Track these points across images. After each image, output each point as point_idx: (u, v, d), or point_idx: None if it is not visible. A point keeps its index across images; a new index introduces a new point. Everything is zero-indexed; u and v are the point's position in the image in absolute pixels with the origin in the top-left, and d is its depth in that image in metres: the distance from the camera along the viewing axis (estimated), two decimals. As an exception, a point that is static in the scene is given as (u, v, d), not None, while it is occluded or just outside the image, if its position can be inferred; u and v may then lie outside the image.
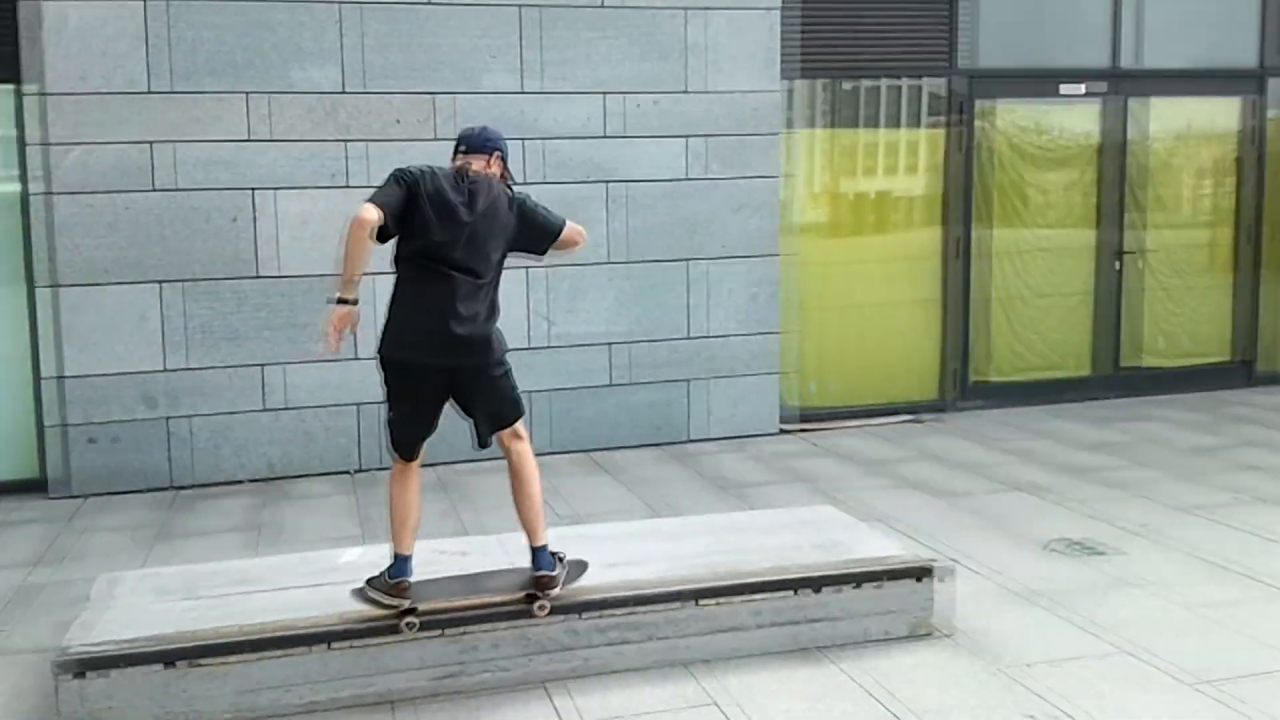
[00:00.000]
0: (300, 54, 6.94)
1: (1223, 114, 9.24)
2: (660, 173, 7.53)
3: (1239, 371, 9.36)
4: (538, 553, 4.11)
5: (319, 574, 4.40)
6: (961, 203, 8.57)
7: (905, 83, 8.57)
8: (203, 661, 3.79)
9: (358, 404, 7.21)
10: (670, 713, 3.80)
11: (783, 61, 7.82)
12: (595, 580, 4.22)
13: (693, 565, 4.35)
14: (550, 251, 4.38)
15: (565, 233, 4.28)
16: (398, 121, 7.11)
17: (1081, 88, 8.78)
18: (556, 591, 4.08)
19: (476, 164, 4.14)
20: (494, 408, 4.16)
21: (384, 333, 4.08)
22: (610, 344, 7.57)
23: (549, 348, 7.50)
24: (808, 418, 8.24)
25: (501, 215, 4.10)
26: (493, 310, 4.14)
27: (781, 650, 4.22)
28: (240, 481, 7.04)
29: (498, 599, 4.09)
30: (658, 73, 7.48)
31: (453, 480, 6.93)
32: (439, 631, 3.96)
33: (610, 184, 7.44)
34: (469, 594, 4.12)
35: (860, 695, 3.88)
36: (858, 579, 4.30)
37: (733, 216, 7.70)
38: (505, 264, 4.19)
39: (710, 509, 5.95)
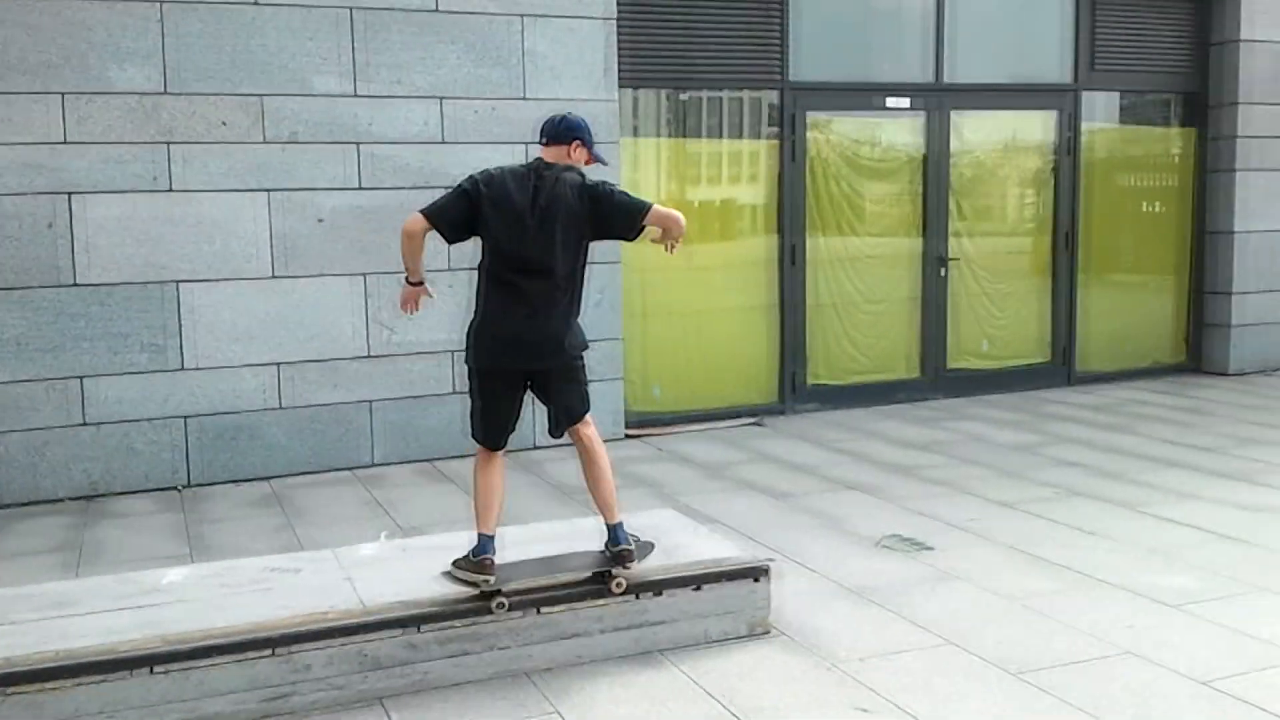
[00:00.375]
0: (120, 54, 6.65)
1: (1039, 127, 9.72)
2: (497, 179, 7.48)
3: (1058, 372, 9.85)
4: (615, 529, 4.25)
5: (141, 595, 4.21)
6: (794, 212, 8.78)
7: (742, 94, 8.74)
8: (18, 689, 3.58)
9: (184, 417, 6.95)
10: (511, 723, 3.77)
11: (619, 71, 7.87)
12: (434, 592, 4.16)
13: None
14: (659, 242, 4.30)
15: (652, 215, 4.16)
16: (224, 124, 6.88)
17: (905, 101, 9.11)
18: (633, 567, 4.22)
19: (553, 154, 4.22)
20: (568, 402, 4.28)
21: (468, 336, 4.27)
22: (452, 351, 7.48)
23: (389, 356, 7.38)
24: (651, 422, 8.31)
25: (567, 206, 4.10)
26: (571, 307, 4.20)
27: (624, 655, 4.23)
28: (60, 500, 6.71)
29: (578, 577, 4.26)
30: (495, 79, 7.44)
31: (287, 495, 6.75)
32: (269, 651, 3.84)
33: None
34: (549, 574, 4.25)
35: (700, 696, 3.92)
36: (697, 581, 4.35)
37: (572, 223, 7.71)
38: (581, 257, 4.20)
39: (554, 516, 5.92)
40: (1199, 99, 10.13)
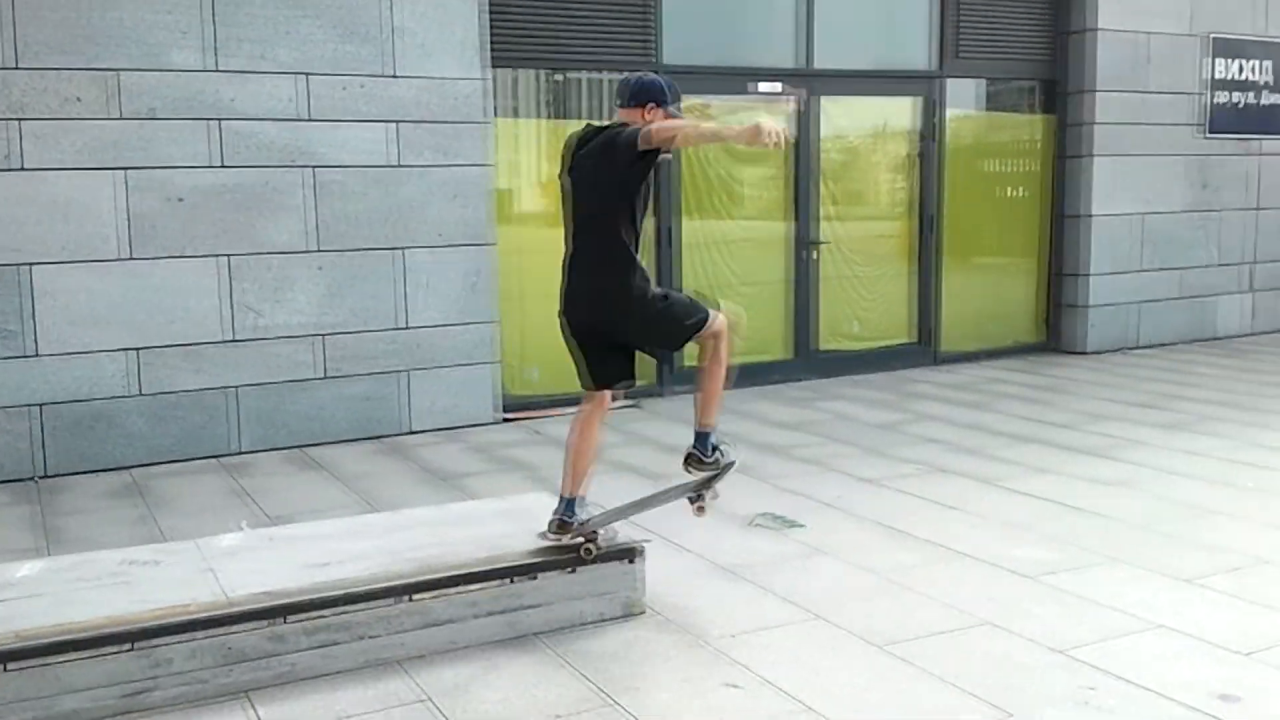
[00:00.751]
0: (-40, 24, 6.32)
1: (904, 113, 9.94)
2: (366, 158, 7.34)
3: (923, 352, 10.12)
4: (699, 435, 4.47)
5: (-10, 591, 4.03)
6: (669, 194, 8.82)
7: (613, 75, 8.72)
8: None
9: (38, 405, 6.67)
10: (380, 713, 3.71)
11: (495, 51, 7.80)
12: (300, 582, 4.07)
13: (404, 560, 4.27)
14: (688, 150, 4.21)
15: (655, 132, 3.95)
16: (78, 99, 6.60)
17: (776, 85, 9.22)
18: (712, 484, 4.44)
19: (627, 117, 4.15)
20: (654, 338, 4.38)
21: None
22: (319, 335, 7.33)
23: (255, 340, 7.18)
24: (528, 406, 8.27)
25: (597, 160, 4.10)
26: (610, 256, 4.13)
27: (497, 640, 4.21)
28: (-101, 494, 6.38)
29: (665, 502, 4.55)
30: (362, 55, 7.28)
31: (148, 485, 6.53)
32: (128, 646, 3.71)
33: (313, 169, 7.18)
34: (641, 510, 4.50)
35: (573, 677, 3.93)
36: (570, 564, 4.35)
37: (443, 204, 7.61)
38: (620, 211, 4.10)
39: (427, 502, 5.86)
40: (1056, 86, 10.49)
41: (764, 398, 8.79)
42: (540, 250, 8.50)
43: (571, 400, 8.82)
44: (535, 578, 4.31)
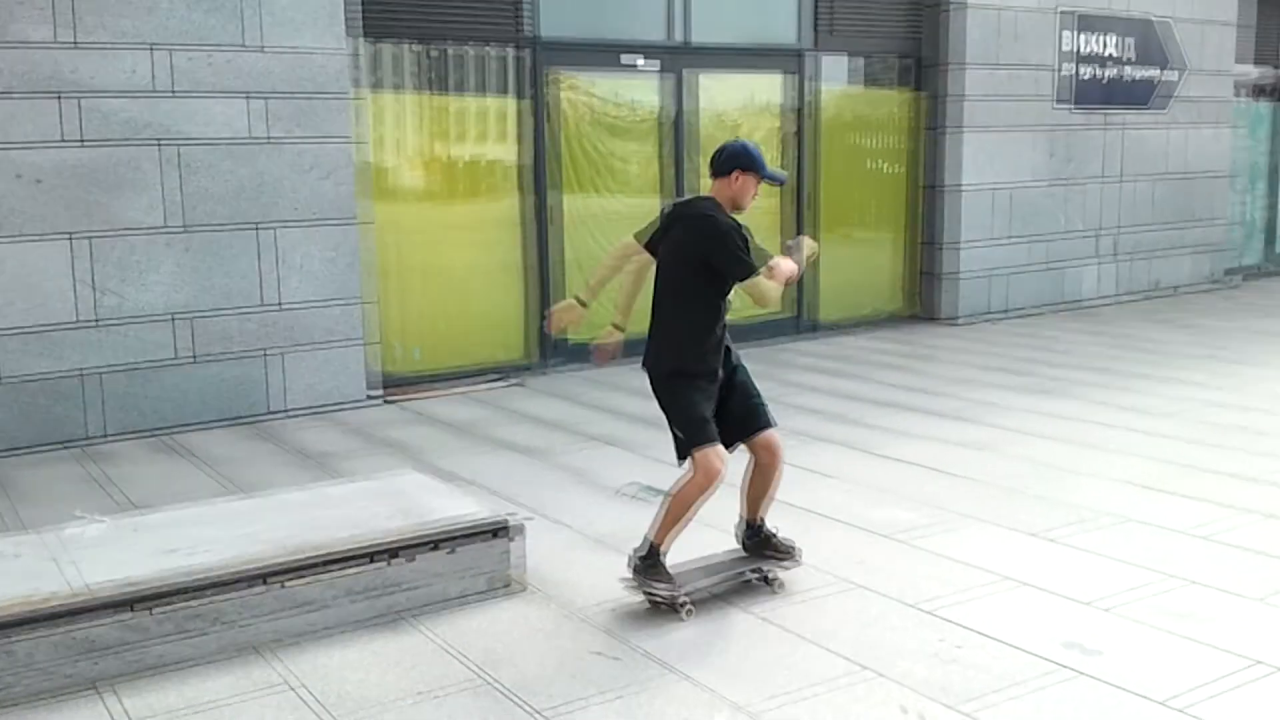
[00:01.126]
0: None
1: (776, 88, 10.02)
2: (221, 132, 7.11)
3: (799, 324, 10.26)
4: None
5: None
6: (541, 170, 8.77)
7: (488, 49, 8.61)
8: None
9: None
10: (238, 700, 3.63)
11: (364, 22, 7.63)
12: (160, 569, 3.95)
13: (265, 544, 4.17)
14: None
15: (750, 285, 4.16)
16: (-91, 73, 6.25)
17: (639, 59, 9.20)
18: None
19: (716, 188, 4.29)
20: (671, 425, 4.30)
21: None
22: (175, 316, 7.10)
23: (103, 322, 6.90)
24: (399, 384, 8.15)
25: (683, 238, 4.22)
26: (673, 331, 4.28)
27: (362, 622, 4.15)
28: None
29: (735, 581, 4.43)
30: (214, 26, 7.03)
31: (5, 475, 6.27)
32: (-29, 641, 3.56)
33: (164, 144, 6.92)
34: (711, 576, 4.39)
35: (440, 655, 3.90)
36: (436, 541, 4.31)
37: (304, 180, 7.42)
38: (686, 289, 4.26)
39: (295, 484, 5.72)
40: (924, 61, 10.69)
41: (638, 372, 8.77)
42: (419, 228, 8.41)
43: (454, 376, 8.84)
44: (399, 557, 4.25)
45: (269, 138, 7.26)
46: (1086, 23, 11.20)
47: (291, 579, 4.05)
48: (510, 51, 8.61)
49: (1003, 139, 10.75)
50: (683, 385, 4.29)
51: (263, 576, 3.99)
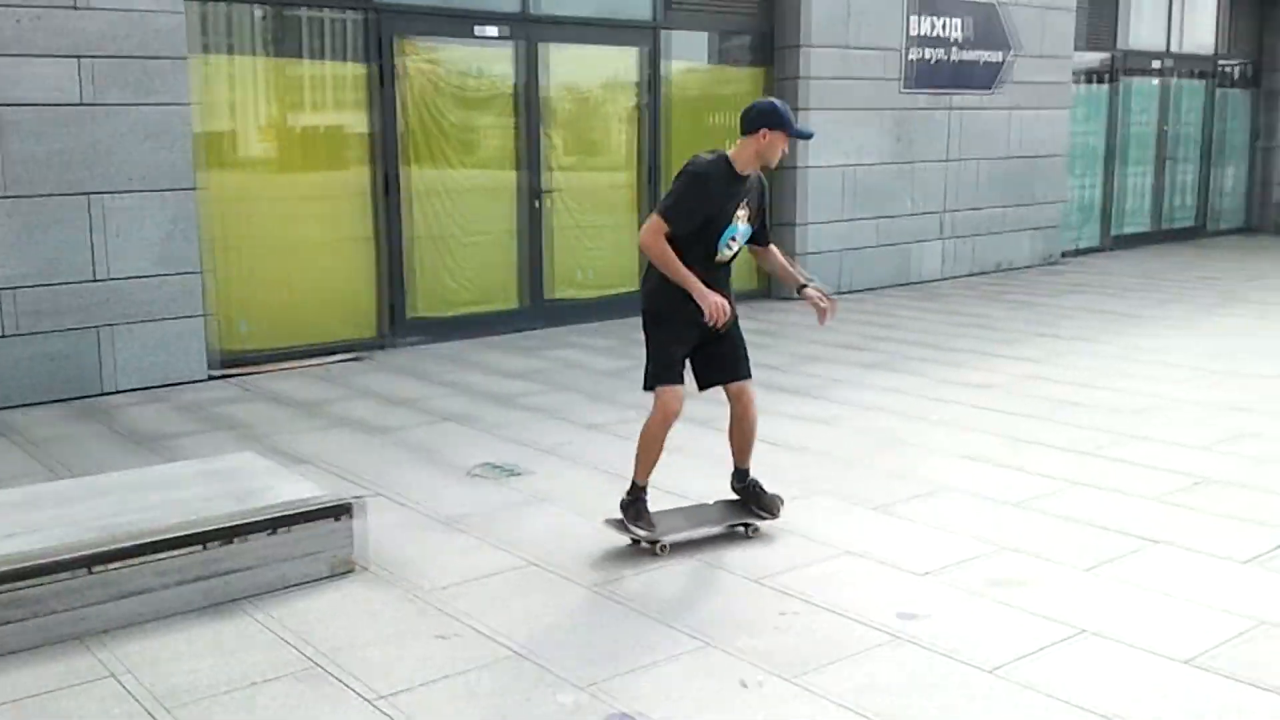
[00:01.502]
0: None
1: (625, 63, 10.01)
2: (52, 96, 6.75)
3: (649, 299, 10.28)
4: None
5: None
6: (389, 140, 8.58)
7: (327, 13, 8.36)
8: None
9: None
10: (61, 691, 3.47)
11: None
12: (-31, 557, 3.74)
13: (91, 529, 3.99)
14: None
15: (642, 235, 4.46)
16: None
17: (492, 29, 9.09)
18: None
19: (741, 144, 4.52)
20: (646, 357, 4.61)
21: None
22: (3, 288, 6.73)
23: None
24: (241, 361, 7.90)
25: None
26: (655, 273, 4.47)
27: (195, 609, 4.01)
28: None
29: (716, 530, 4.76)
30: (40, -16, 6.67)
31: None
32: None
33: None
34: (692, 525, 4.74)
35: (275, 643, 3.80)
36: (273, 524, 4.18)
37: (139, 147, 7.10)
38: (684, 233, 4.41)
39: (124, 466, 5.49)
40: (772, 40, 10.82)
41: (493, 348, 8.75)
42: (256, 196, 8.14)
43: (299, 353, 8.61)
44: (233, 542, 4.12)
45: (101, 102, 6.93)
46: (930, 6, 11.49)
47: (117, 565, 3.88)
48: (353, 15, 8.37)
49: (849, 120, 10.97)
50: (660, 325, 4.54)
51: (87, 563, 3.82)
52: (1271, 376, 7.59)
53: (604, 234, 10.02)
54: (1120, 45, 14.58)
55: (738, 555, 4.56)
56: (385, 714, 3.35)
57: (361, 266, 8.64)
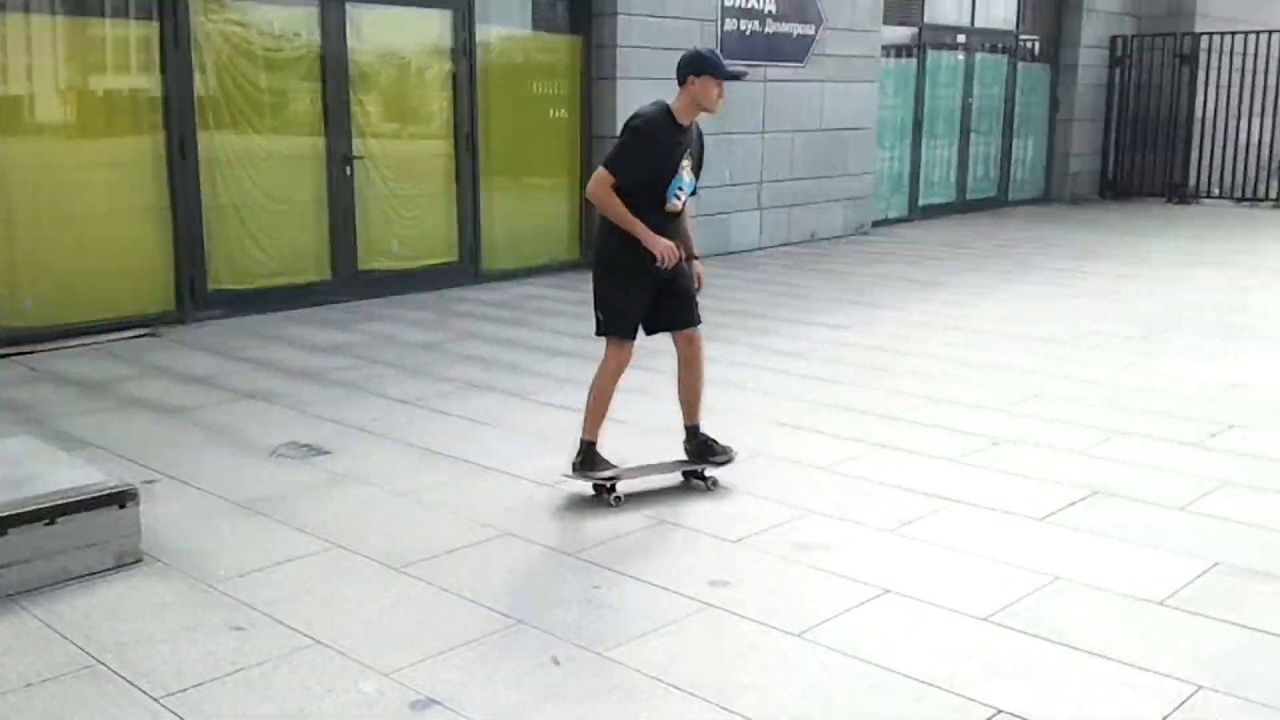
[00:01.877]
0: None
1: (436, 27, 9.73)
2: None
3: (467, 271, 10.10)
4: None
5: None
6: (184, 104, 8.11)
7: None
8: None
9: None
10: None
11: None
12: None
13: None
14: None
15: (590, 186, 4.62)
16: None
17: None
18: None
19: (678, 95, 4.70)
20: (595, 307, 4.78)
21: None
22: None
23: None
24: (23, 339, 7.37)
25: None
26: (606, 223, 4.65)
27: (-41, 607, 3.70)
28: None
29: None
30: None
31: None
32: None
33: None
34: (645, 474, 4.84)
35: (54, 641, 3.52)
36: (50, 514, 3.89)
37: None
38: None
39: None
40: (587, 6, 10.70)
41: (300, 321, 8.42)
42: (38, 165, 7.59)
43: (78, 331, 8.06)
44: (10, 533, 3.81)
45: None
46: (743, -23, 11.57)
47: None
48: (144, -28, 7.88)
49: (666, 90, 10.87)
50: (615, 274, 4.69)
51: None
52: (1060, 339, 7.96)
53: (419, 203, 9.75)
54: (925, 20, 15.02)
55: (551, 531, 4.49)
56: (173, 712, 3.14)
57: (155, 237, 8.16)
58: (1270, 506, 4.75)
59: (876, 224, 14.13)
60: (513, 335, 8.09)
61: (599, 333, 4.79)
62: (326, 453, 5.42)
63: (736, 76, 4.80)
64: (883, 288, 10.13)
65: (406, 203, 9.67)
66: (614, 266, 4.71)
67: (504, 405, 6.29)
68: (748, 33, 11.71)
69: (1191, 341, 7.93)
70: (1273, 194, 16.85)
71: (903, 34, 14.71)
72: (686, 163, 4.73)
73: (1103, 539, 4.41)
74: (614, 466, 4.80)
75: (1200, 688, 3.27)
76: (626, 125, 4.63)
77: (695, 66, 4.62)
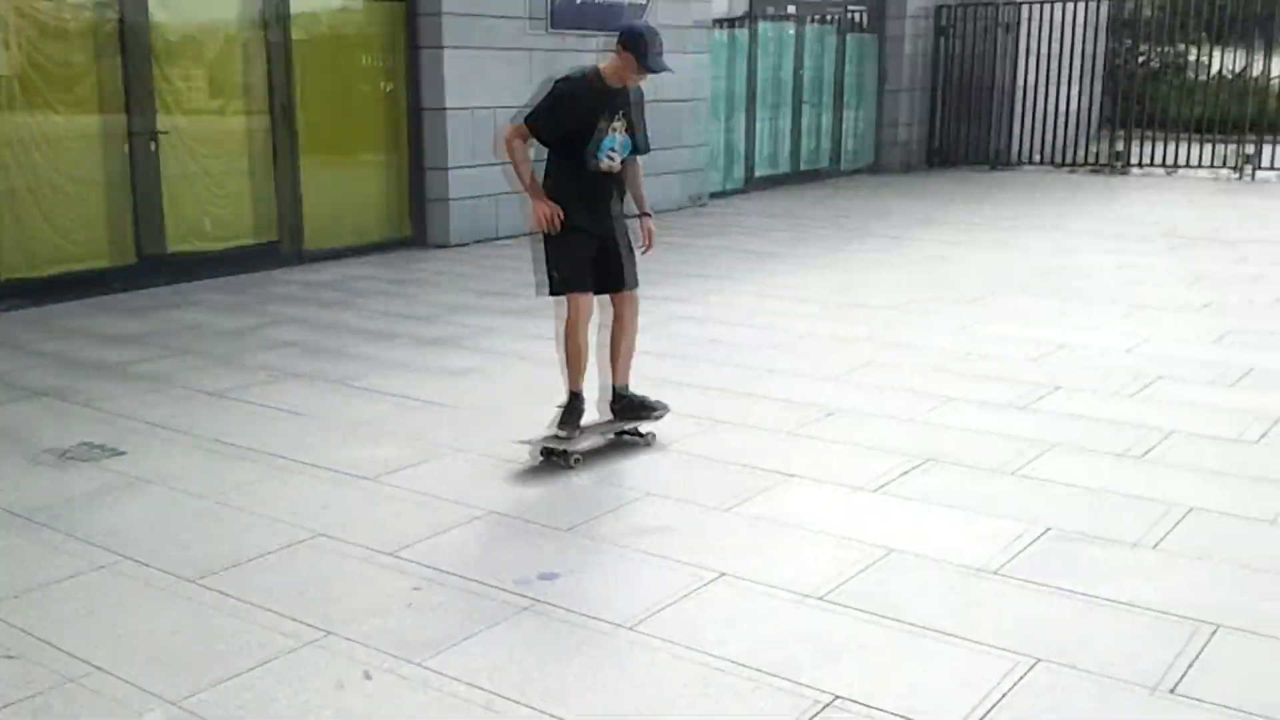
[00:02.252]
0: None
1: (247, -2, 9.19)
2: None
3: (285, 251, 9.60)
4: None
5: None
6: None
7: None
8: None
9: None
10: None
11: None
12: None
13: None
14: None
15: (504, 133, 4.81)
16: None
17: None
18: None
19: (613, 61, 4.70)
20: (547, 267, 4.83)
21: None
22: None
23: None
24: None
25: None
26: (545, 188, 4.79)
27: None
28: None
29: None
30: None
31: None
32: None
33: None
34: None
35: None
36: None
37: None
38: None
39: None
40: (406, -26, 10.26)
41: (101, 310, 7.84)
42: None
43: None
44: None
45: None
46: (566, -57, 11.27)
47: None
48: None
49: (492, 59, 10.60)
50: (554, 238, 4.72)
51: None
52: (891, 307, 7.99)
53: (231, 180, 9.21)
54: (756, -10, 15.00)
55: (369, 530, 4.17)
56: (-81, 763, 2.76)
57: (-69, 224, 7.47)
58: (1096, 467, 4.78)
59: (713, 195, 14.07)
60: (335, 318, 7.68)
61: (553, 292, 4.82)
62: (122, 453, 4.97)
63: (655, 69, 4.76)
64: (720, 259, 10.04)
65: (219, 180, 9.11)
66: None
67: (322, 394, 5.93)
68: (578, 1, 11.43)
69: (1018, 305, 8.06)
70: (1089, 158, 17.49)
71: (736, 5, 14.64)
72: (619, 124, 4.76)
73: (936, 508, 4.35)
74: (571, 438, 4.78)
75: (1039, 660, 3.20)
76: (551, 84, 4.77)
77: (626, 41, 4.67)
